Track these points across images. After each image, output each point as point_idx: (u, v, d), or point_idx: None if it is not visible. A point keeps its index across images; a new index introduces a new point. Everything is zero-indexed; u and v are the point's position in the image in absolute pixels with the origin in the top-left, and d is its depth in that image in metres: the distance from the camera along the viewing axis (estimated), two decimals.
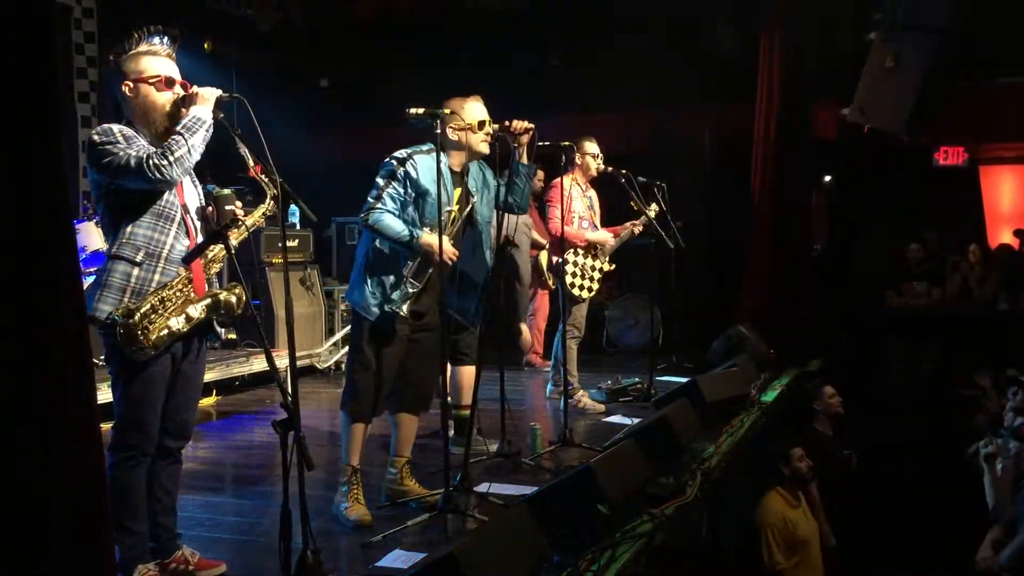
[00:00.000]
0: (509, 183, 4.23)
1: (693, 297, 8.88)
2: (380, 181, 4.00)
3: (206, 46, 8.78)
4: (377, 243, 3.99)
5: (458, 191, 4.11)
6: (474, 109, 4.13)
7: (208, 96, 3.28)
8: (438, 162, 3.91)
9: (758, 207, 8.61)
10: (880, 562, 6.56)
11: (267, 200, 3.46)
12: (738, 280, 8.77)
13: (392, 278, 3.96)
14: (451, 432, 5.09)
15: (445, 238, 3.91)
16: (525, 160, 4.20)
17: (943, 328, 9.18)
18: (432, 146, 4.03)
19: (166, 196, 3.21)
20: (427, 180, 3.97)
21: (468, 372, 5.31)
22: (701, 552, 4.28)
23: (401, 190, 3.97)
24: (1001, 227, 10.78)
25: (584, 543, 3.43)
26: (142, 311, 3.07)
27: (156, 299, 3.12)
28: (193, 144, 3.16)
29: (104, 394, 4.81)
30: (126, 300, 3.09)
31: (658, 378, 6.82)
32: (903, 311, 9.80)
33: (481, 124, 4.09)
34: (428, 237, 3.91)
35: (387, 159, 4.04)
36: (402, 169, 3.97)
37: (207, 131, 3.24)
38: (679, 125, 9.90)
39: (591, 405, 6.16)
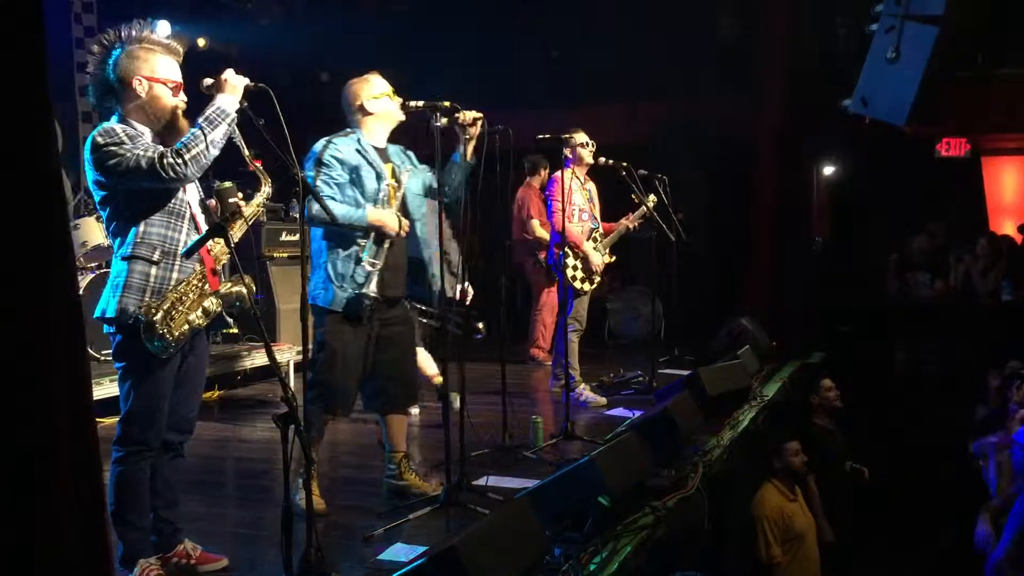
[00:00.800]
0: (439, 171, 4.09)
1: (695, 290, 8.88)
2: (310, 174, 3.94)
3: (200, 43, 8.76)
4: (326, 234, 3.96)
5: (389, 166, 4.08)
6: (377, 82, 4.11)
7: (236, 84, 3.20)
8: (438, 151, 3.93)
9: (760, 200, 8.60)
10: (879, 558, 6.56)
11: (263, 190, 3.45)
12: (740, 272, 8.77)
13: (352, 263, 3.91)
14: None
15: (394, 212, 3.93)
16: (469, 155, 4.10)
17: (946, 320, 9.16)
18: (349, 130, 4.05)
19: (177, 193, 3.20)
20: (353, 157, 3.95)
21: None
22: (702, 545, 4.28)
23: (333, 173, 3.92)
24: (1003, 218, 10.76)
25: (586, 536, 3.43)
26: (164, 309, 3.07)
27: (176, 296, 3.12)
28: (213, 139, 3.09)
29: (105, 389, 4.83)
30: (147, 299, 3.08)
31: (660, 371, 6.82)
32: (906, 303, 9.79)
33: (395, 92, 4.08)
34: (376, 212, 3.89)
35: (308, 154, 4.02)
36: (326, 154, 3.93)
37: (230, 124, 3.16)
38: (681, 117, 9.89)
39: (592, 398, 6.16)
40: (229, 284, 3.25)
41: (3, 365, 1.60)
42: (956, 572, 5.82)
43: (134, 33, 3.19)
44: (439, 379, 5.89)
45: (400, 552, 3.46)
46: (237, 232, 3.28)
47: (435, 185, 4.15)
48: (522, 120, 5.62)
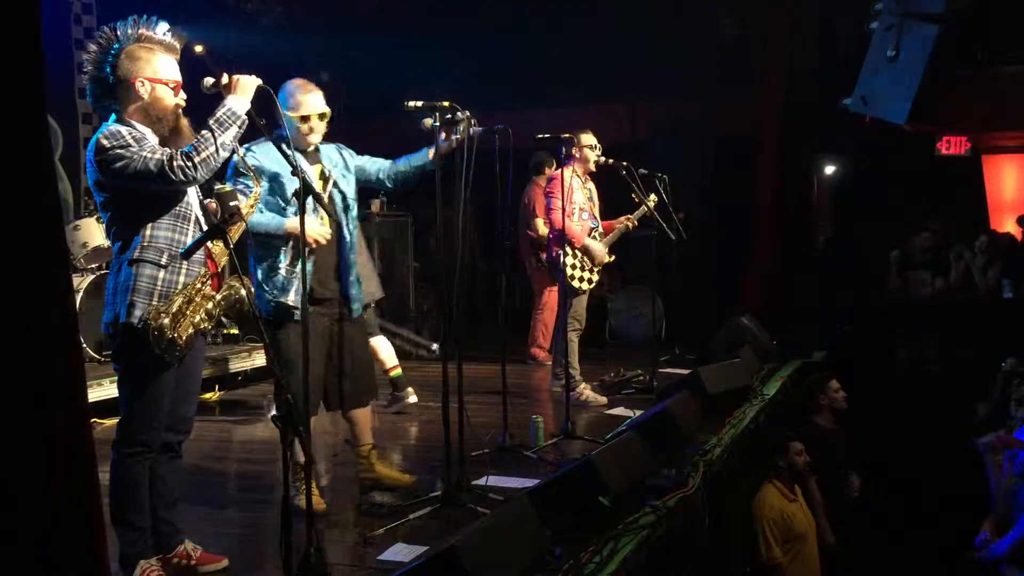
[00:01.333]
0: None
1: (695, 289, 8.87)
2: (228, 183, 3.84)
3: (198, 49, 8.75)
4: (253, 243, 3.93)
5: (318, 167, 4.01)
6: (311, 102, 4.01)
7: (248, 86, 3.17)
8: (437, 152, 3.91)
9: (761, 198, 8.60)
10: (879, 558, 6.55)
11: (255, 190, 3.44)
12: (741, 272, 8.76)
13: (273, 270, 3.88)
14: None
15: (319, 220, 3.84)
16: (432, 156, 4.03)
17: (947, 318, 9.16)
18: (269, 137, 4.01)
19: (184, 196, 3.19)
20: (271, 164, 3.87)
21: (378, 342, 5.93)
22: (703, 543, 4.28)
23: (249, 182, 3.79)
24: (1004, 216, 10.74)
25: (586, 535, 3.44)
26: (172, 312, 3.06)
27: (183, 299, 3.11)
28: (223, 142, 3.07)
29: (105, 390, 4.82)
30: (155, 303, 3.07)
31: (660, 370, 6.81)
32: (907, 301, 9.78)
33: (322, 116, 4.02)
34: (293, 221, 3.78)
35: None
36: (241, 163, 3.82)
37: (240, 127, 3.14)
38: (682, 117, 9.88)
39: (593, 397, 6.16)
40: (229, 286, 3.25)
41: (0, 366, 1.61)
42: (956, 572, 5.83)
43: (130, 31, 3.17)
44: (397, 371, 6.07)
45: (400, 552, 3.45)
46: (235, 233, 3.28)
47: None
48: (522, 120, 5.64)
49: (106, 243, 6.10)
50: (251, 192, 3.58)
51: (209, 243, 3.16)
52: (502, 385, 4.94)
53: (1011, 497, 5.10)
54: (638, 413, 5.55)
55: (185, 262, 3.13)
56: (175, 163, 2.99)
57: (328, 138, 4.11)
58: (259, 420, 6.07)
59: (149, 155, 3.01)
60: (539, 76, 10.12)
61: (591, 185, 6.38)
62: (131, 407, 3.14)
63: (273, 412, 2.92)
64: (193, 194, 3.30)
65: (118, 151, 3.00)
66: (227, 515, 4.11)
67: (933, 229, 10.21)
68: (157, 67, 3.16)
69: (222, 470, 4.99)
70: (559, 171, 5.92)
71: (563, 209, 5.88)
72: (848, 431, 7.06)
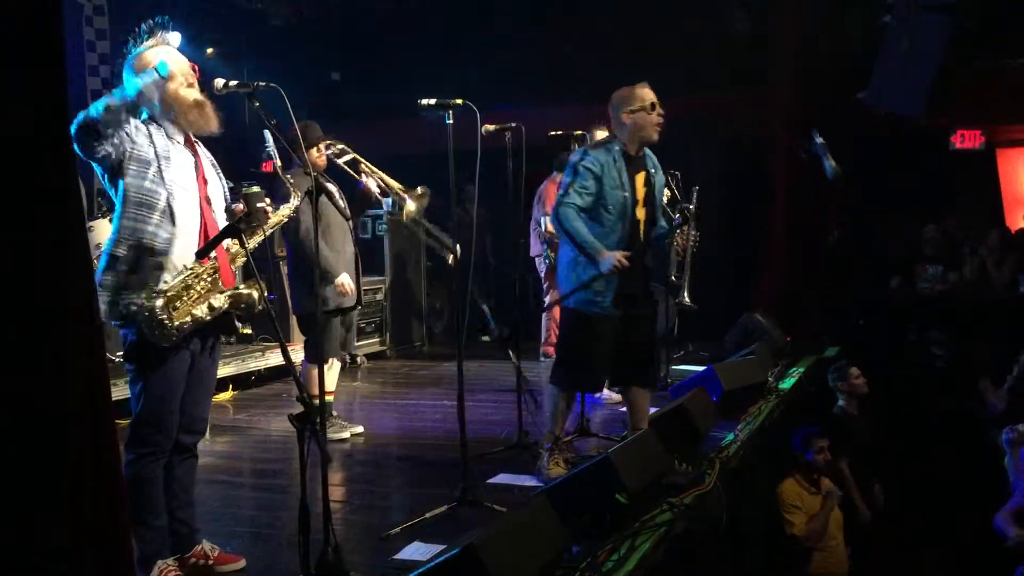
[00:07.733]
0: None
1: (709, 285, 8.83)
2: (566, 178, 4.15)
3: (208, 52, 8.78)
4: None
5: (641, 176, 4.29)
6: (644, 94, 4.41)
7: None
8: (450, 149, 3.91)
9: (773, 194, 8.56)
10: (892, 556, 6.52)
11: (291, 202, 3.39)
12: (754, 268, 8.73)
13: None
14: None
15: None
16: None
17: (961, 313, 9.10)
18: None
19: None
20: (600, 169, 4.13)
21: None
22: (721, 540, 4.26)
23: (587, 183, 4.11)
24: (1019, 210, 10.67)
25: (604, 533, 3.42)
26: (168, 295, 3.05)
27: (181, 284, 3.10)
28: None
29: (119, 391, 4.82)
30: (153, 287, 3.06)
31: (675, 367, 6.79)
32: (920, 295, 9.73)
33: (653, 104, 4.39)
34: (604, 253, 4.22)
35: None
36: (581, 165, 4.10)
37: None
38: (694, 113, 9.83)
39: (607, 395, 6.14)
40: (246, 287, 3.22)
41: (22, 365, 1.60)
42: (973, 564, 5.80)
43: (133, 42, 3.20)
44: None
45: (418, 551, 3.45)
46: (255, 239, 3.25)
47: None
48: (535, 117, 5.61)
49: None
50: (288, 204, 3.54)
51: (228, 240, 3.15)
52: (516, 383, 4.93)
53: None
54: (653, 410, 5.52)
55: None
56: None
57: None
58: (274, 419, 6.05)
59: None
60: (550, 73, 10.09)
61: None
62: (142, 407, 3.14)
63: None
64: (215, 188, 3.29)
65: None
66: (244, 515, 4.11)
67: (944, 224, 10.16)
68: (167, 62, 3.16)
69: (238, 470, 4.99)
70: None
71: None
72: (871, 416, 7.05)
